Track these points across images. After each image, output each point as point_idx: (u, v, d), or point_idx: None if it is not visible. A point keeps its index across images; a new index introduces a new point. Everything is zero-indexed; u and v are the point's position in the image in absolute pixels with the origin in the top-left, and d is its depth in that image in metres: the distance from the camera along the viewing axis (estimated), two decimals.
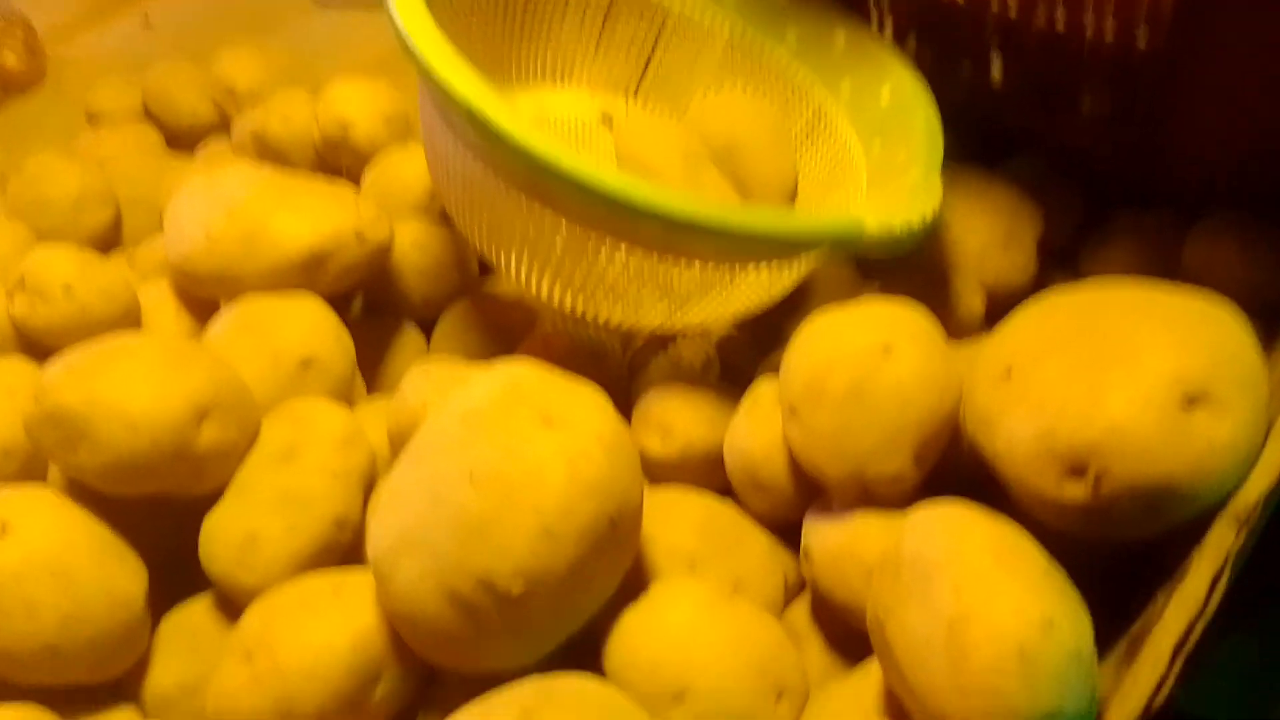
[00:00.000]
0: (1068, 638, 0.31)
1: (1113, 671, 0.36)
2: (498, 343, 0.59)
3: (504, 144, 0.41)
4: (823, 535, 0.42)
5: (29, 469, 0.45)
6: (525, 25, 0.64)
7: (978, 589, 0.31)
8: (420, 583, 0.35)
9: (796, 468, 0.44)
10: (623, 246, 0.45)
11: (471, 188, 0.48)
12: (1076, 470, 0.36)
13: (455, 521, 0.34)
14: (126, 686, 0.43)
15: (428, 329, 0.61)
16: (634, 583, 0.38)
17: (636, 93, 0.69)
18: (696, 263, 0.46)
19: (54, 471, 0.45)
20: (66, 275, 0.49)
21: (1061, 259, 0.65)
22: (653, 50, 0.68)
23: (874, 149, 0.58)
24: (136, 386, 0.40)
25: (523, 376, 0.38)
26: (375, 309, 0.61)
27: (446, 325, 0.60)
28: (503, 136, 0.41)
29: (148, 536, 0.44)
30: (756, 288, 0.50)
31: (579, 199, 0.41)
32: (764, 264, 0.47)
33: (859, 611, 0.40)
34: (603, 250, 0.45)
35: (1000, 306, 0.62)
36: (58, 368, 0.41)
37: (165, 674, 0.43)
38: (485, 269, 0.64)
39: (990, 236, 0.61)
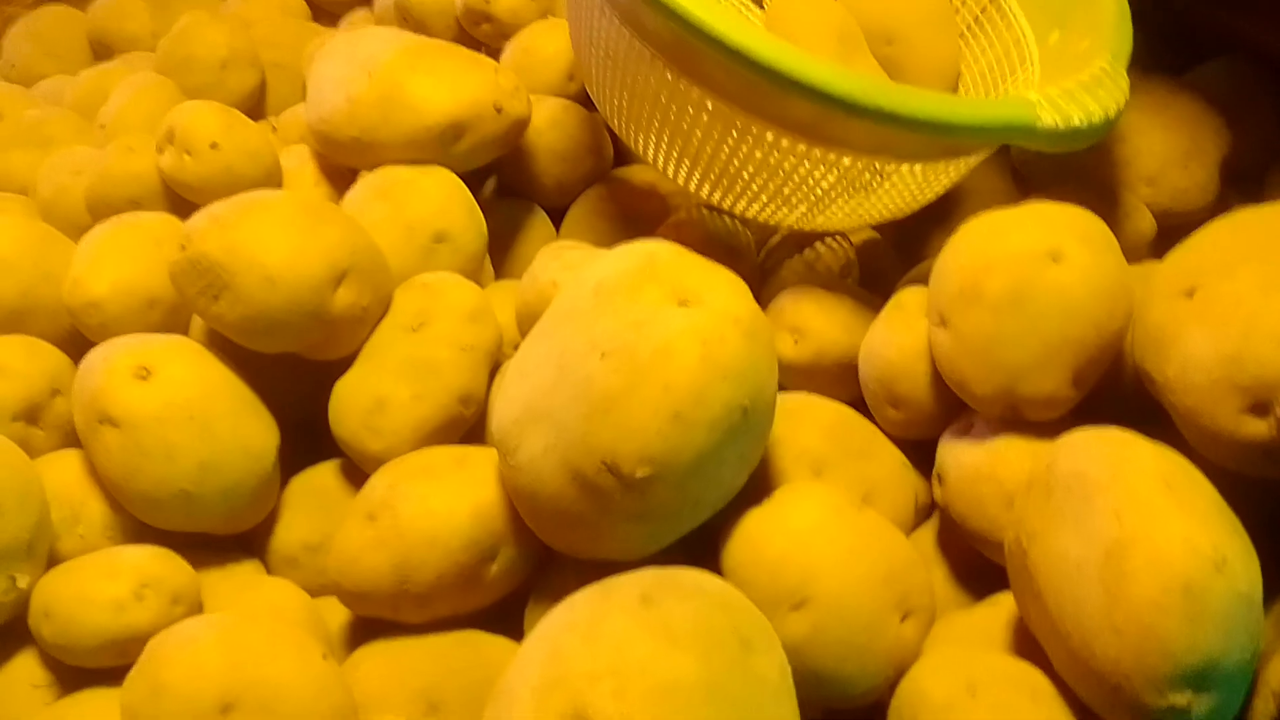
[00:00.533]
0: (1239, 579, 0.28)
1: (1274, 627, 0.33)
2: (630, 232, 0.57)
3: (655, 3, 0.39)
4: (960, 456, 0.40)
5: (172, 320, 0.46)
6: None
7: (1143, 514, 0.29)
8: (543, 458, 0.35)
9: (938, 382, 0.42)
10: (770, 130, 0.42)
11: (615, 59, 0.45)
12: (1260, 405, 0.33)
13: (581, 395, 0.33)
14: (253, 542, 0.45)
15: (558, 215, 0.60)
16: (759, 483, 0.37)
17: None
18: (846, 155, 0.42)
19: (196, 325, 0.46)
20: (213, 132, 0.49)
21: (1246, 181, 0.59)
22: None
23: (1051, 39, 0.53)
24: (276, 241, 0.41)
25: (658, 252, 0.36)
26: (507, 191, 0.60)
27: (578, 211, 0.59)
28: None
29: (282, 397, 0.45)
30: (907, 188, 0.47)
31: (728, 67, 0.39)
32: (919, 161, 0.44)
33: (994, 540, 0.38)
34: (749, 132, 0.43)
35: (1174, 231, 0.57)
36: (202, 217, 0.41)
37: (291, 531, 0.44)
38: (621, 157, 0.62)
39: (1169, 151, 0.56)
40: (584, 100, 0.62)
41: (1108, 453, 0.31)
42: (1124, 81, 0.46)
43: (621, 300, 0.34)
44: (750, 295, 0.35)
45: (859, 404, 0.46)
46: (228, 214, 0.41)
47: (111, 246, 0.45)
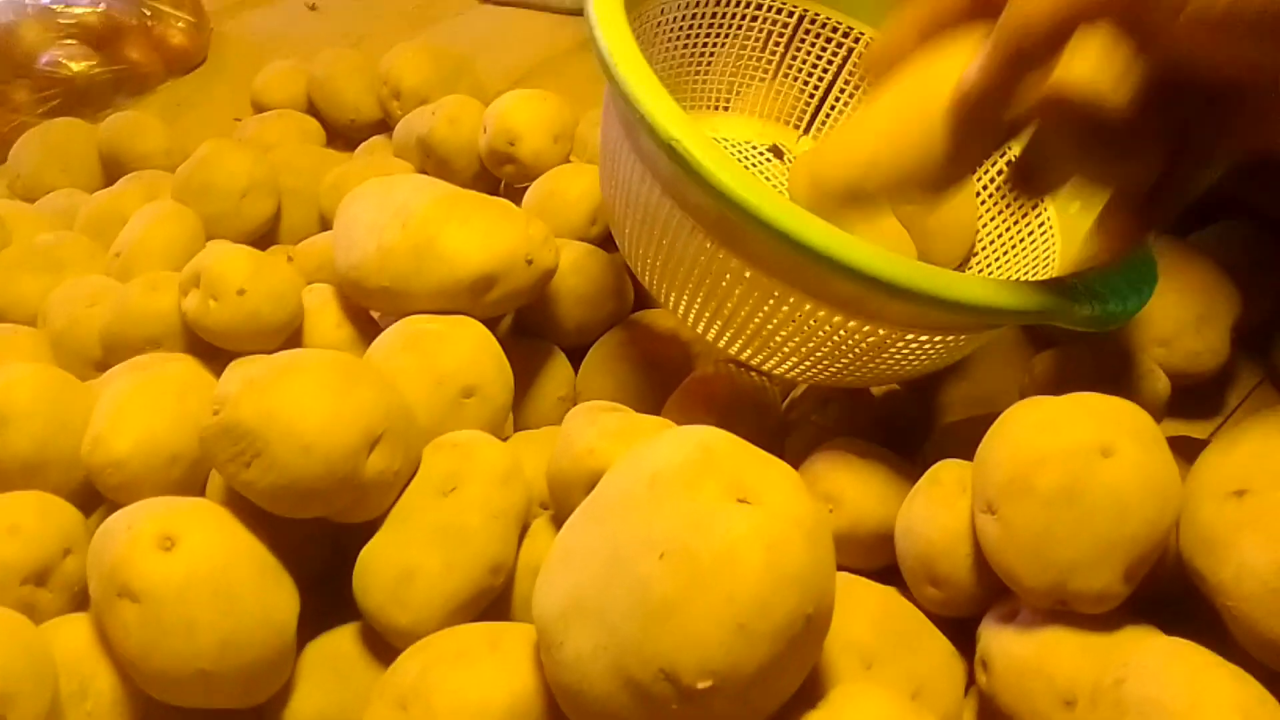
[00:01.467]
0: None
1: None
2: (650, 377, 0.57)
3: (704, 184, 0.39)
4: (1007, 645, 0.39)
5: (191, 475, 0.45)
6: (706, 50, 0.62)
7: None
8: (592, 659, 0.33)
9: (980, 563, 0.41)
10: (810, 302, 0.42)
11: (652, 222, 0.46)
12: None
13: (637, 598, 0.32)
14: (265, 711, 0.42)
15: (576, 355, 0.60)
16: (809, 680, 0.36)
17: (810, 125, 0.66)
18: (883, 327, 0.43)
19: (214, 482, 0.45)
20: (242, 279, 0.49)
21: (1256, 338, 0.60)
22: (833, 79, 0.65)
23: (1071, 209, 0.54)
24: (312, 408, 0.40)
25: (714, 443, 0.35)
26: (524, 330, 0.60)
27: (598, 355, 0.59)
28: (705, 176, 0.39)
29: (301, 554, 0.43)
30: (938, 353, 0.47)
31: (773, 245, 0.39)
32: (954, 334, 0.44)
33: None
34: (787, 302, 0.43)
35: (1186, 392, 0.58)
36: (236, 380, 0.40)
37: (306, 703, 0.42)
38: (641, 300, 0.62)
39: (1183, 315, 0.57)
40: (605, 242, 0.62)
41: (1184, 678, 0.31)
42: (1153, 262, 0.47)
43: (678, 495, 0.33)
44: (807, 492, 0.35)
45: (892, 572, 0.45)
46: (263, 378, 0.40)
47: (135, 402, 0.44)
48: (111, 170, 0.74)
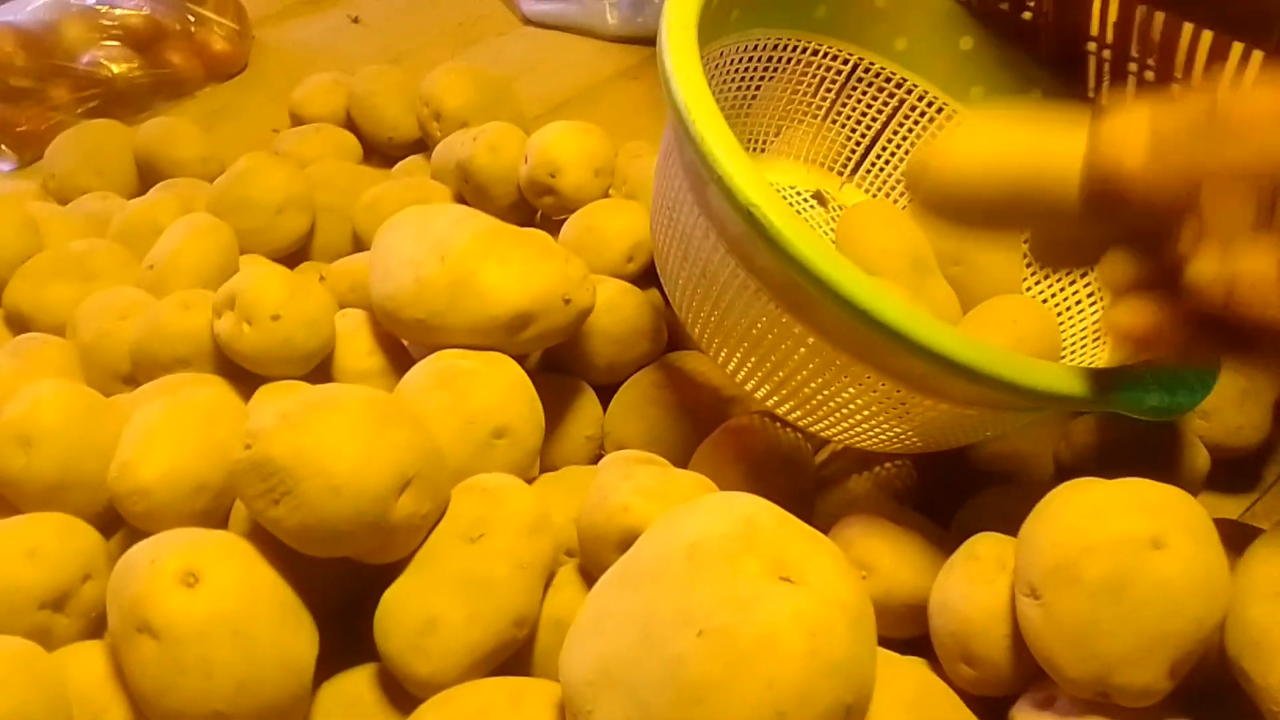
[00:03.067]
0: None
1: None
2: (681, 422, 0.56)
3: (779, 251, 0.38)
4: None
5: (216, 505, 0.44)
6: (751, 89, 0.62)
7: None
8: None
9: (1018, 645, 0.40)
10: (871, 373, 0.41)
11: (711, 279, 0.45)
12: None
13: (671, 676, 0.31)
14: None
15: (606, 393, 0.59)
16: None
17: (855, 172, 0.66)
18: (944, 403, 0.42)
19: (238, 513, 0.44)
20: (277, 304, 0.48)
21: None
22: (882, 127, 0.64)
23: None
24: (345, 448, 0.39)
25: (758, 517, 0.34)
26: (553, 366, 0.59)
27: (628, 396, 0.58)
28: (783, 245, 0.38)
29: (321, 592, 0.42)
30: (989, 427, 0.46)
31: (842, 318, 0.38)
32: (1014, 412, 0.43)
33: None
34: (847, 372, 0.42)
35: (1221, 465, 0.57)
36: (270, 415, 0.39)
37: None
38: (674, 339, 0.61)
39: (1225, 389, 0.56)
40: (642, 279, 0.61)
41: None
42: None
43: (719, 570, 0.33)
44: (853, 573, 0.34)
45: (922, 641, 0.44)
46: (297, 414, 0.39)
47: (164, 430, 0.43)
48: (147, 175, 0.74)
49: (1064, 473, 0.49)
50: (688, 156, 0.42)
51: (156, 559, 0.38)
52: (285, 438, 0.39)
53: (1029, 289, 0.59)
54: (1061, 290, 0.58)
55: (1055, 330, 0.56)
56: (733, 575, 0.32)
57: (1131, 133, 0.32)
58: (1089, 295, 0.56)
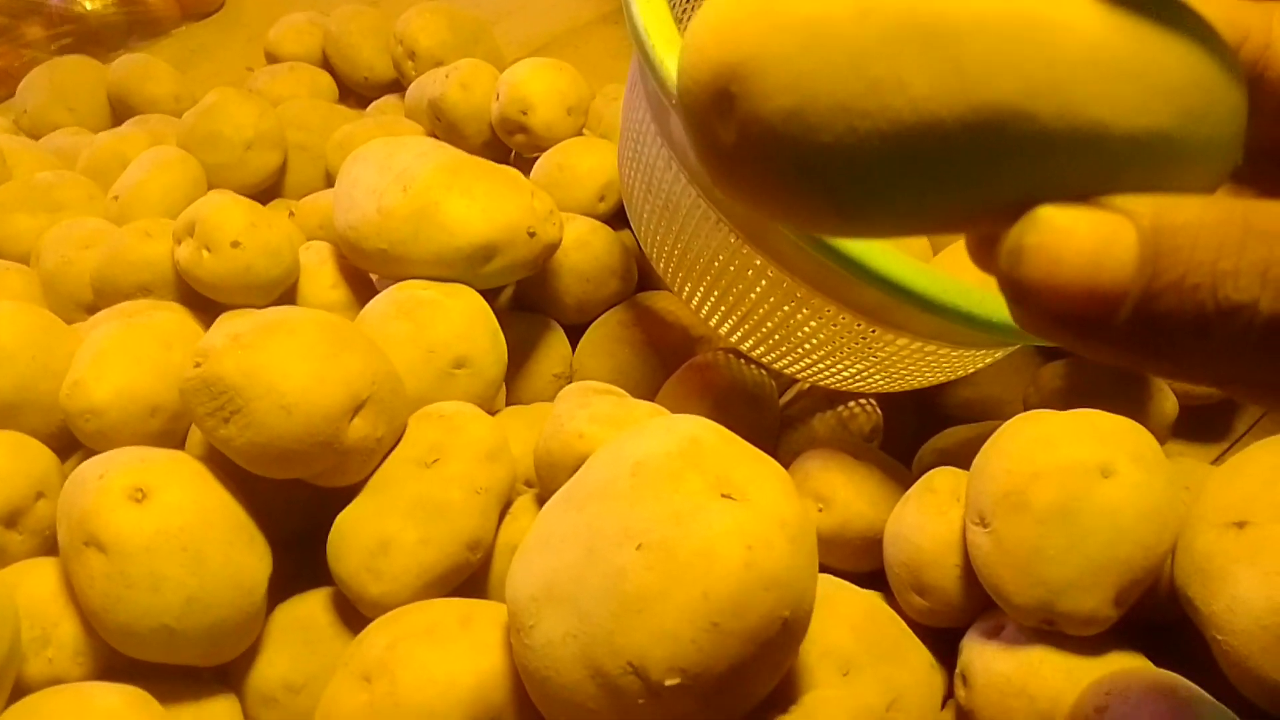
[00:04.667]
0: None
1: None
2: (649, 361, 0.56)
3: None
4: (989, 661, 0.38)
5: (171, 427, 0.44)
6: None
7: None
8: (562, 645, 0.32)
9: (968, 575, 0.40)
10: (832, 306, 0.41)
11: (674, 211, 0.44)
12: None
13: (611, 588, 0.31)
14: (230, 673, 0.42)
15: (575, 332, 0.59)
16: (782, 682, 0.35)
17: None
18: (904, 337, 0.42)
19: (194, 436, 0.44)
20: (237, 230, 0.48)
21: None
22: None
23: None
24: (296, 368, 0.39)
25: (703, 436, 0.34)
26: (523, 304, 0.59)
27: (597, 334, 0.57)
28: None
29: (275, 515, 0.42)
30: (959, 364, 0.46)
31: (800, 248, 0.38)
32: (977, 348, 0.43)
33: None
34: (808, 304, 0.42)
35: (1193, 414, 0.56)
36: (220, 336, 0.39)
37: (272, 668, 0.41)
38: (645, 280, 0.61)
39: None
40: (614, 219, 0.61)
41: (1169, 713, 0.29)
42: None
43: (661, 487, 0.33)
44: (795, 492, 0.34)
45: (878, 576, 0.44)
46: (248, 334, 0.39)
47: (117, 350, 0.43)
48: (120, 113, 0.73)
49: None
50: (649, 85, 0.42)
51: (105, 474, 0.38)
52: (235, 356, 0.38)
53: None
54: None
55: None
56: (674, 492, 0.32)
57: (1106, 239, 0.16)
58: None
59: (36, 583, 0.39)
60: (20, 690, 0.37)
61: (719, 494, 0.32)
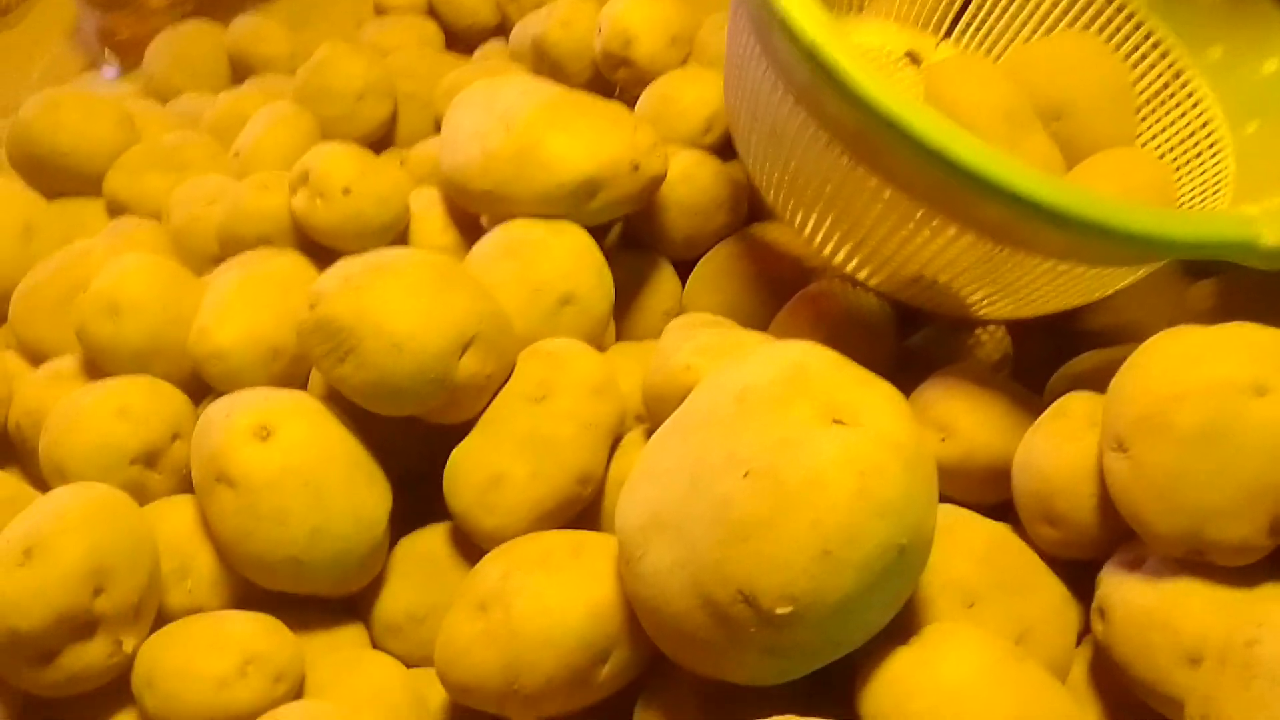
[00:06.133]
0: None
1: None
2: (760, 295, 0.55)
3: (846, 93, 0.36)
4: (1129, 596, 0.36)
5: (293, 370, 0.45)
6: None
7: None
8: (670, 575, 0.32)
9: (1105, 504, 0.38)
10: (954, 226, 0.39)
11: (781, 136, 0.43)
12: None
13: (718, 516, 0.31)
14: (358, 603, 0.43)
15: (685, 268, 0.58)
16: (904, 615, 0.34)
17: (950, 31, 0.61)
18: (1033, 258, 0.39)
19: (316, 377, 0.45)
20: (347, 178, 0.48)
21: None
22: None
23: (1248, 129, 0.48)
24: (406, 308, 0.39)
25: (810, 361, 0.33)
26: (632, 241, 0.58)
27: (706, 269, 0.56)
28: (848, 85, 0.35)
29: (396, 453, 0.43)
30: (1088, 287, 0.43)
31: (917, 163, 0.36)
32: (1112, 266, 0.40)
33: (1162, 693, 0.34)
34: (928, 226, 0.39)
35: None
36: (333, 277, 0.40)
37: (396, 600, 0.43)
38: (755, 211, 0.59)
39: None
40: (721, 150, 0.59)
41: None
42: None
43: (768, 414, 0.32)
44: (910, 415, 0.32)
45: (1008, 509, 0.42)
46: (359, 275, 0.40)
47: (239, 296, 0.44)
48: (239, 73, 0.76)
49: None
50: (751, 5, 0.40)
51: (231, 414, 0.39)
52: (347, 298, 0.39)
53: (1144, 143, 0.55)
54: (1182, 143, 0.53)
55: (1171, 184, 0.51)
56: (781, 418, 0.31)
57: None
58: (1210, 146, 0.51)
59: (176, 518, 0.42)
60: (163, 619, 0.39)
61: (829, 420, 0.31)
